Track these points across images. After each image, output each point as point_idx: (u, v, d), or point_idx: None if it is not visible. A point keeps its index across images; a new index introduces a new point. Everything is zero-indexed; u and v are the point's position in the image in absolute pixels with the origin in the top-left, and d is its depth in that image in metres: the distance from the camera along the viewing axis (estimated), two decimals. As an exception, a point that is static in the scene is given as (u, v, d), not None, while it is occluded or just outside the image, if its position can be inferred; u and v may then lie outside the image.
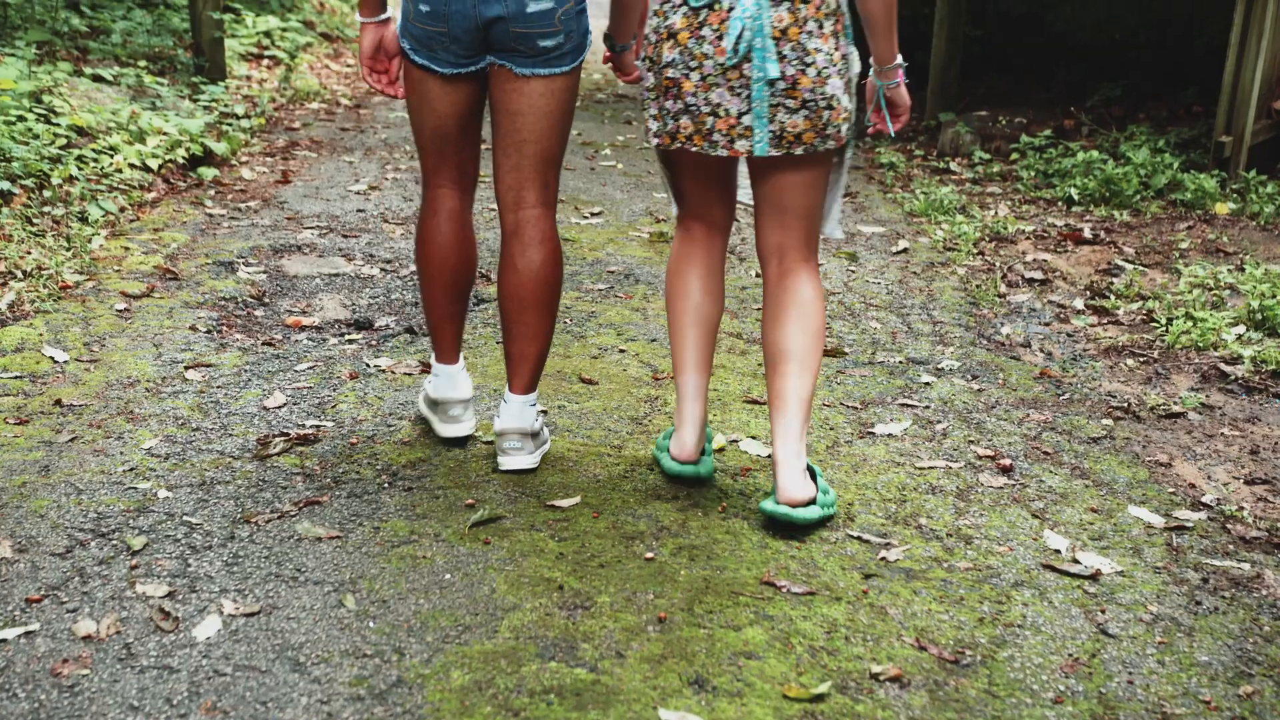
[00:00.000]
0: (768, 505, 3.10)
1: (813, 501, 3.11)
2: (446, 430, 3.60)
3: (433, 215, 3.48)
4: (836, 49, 3.00)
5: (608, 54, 3.52)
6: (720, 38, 2.96)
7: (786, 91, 2.96)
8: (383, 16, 3.33)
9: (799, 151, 3.03)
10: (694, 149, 3.09)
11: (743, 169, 3.31)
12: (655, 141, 3.19)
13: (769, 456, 3.56)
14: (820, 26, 2.96)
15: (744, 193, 3.36)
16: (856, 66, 3.11)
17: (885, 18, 3.07)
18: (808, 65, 2.95)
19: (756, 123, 3.00)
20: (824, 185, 3.19)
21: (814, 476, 3.24)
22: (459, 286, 3.54)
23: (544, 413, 3.79)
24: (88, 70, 7.48)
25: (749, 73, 2.96)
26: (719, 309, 3.37)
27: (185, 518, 3.08)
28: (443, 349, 3.59)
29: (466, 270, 3.54)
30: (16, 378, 3.93)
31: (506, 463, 3.43)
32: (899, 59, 3.16)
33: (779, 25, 2.93)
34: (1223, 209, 6.50)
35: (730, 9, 2.94)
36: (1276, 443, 3.83)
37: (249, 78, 9.71)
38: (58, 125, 6.16)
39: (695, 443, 3.32)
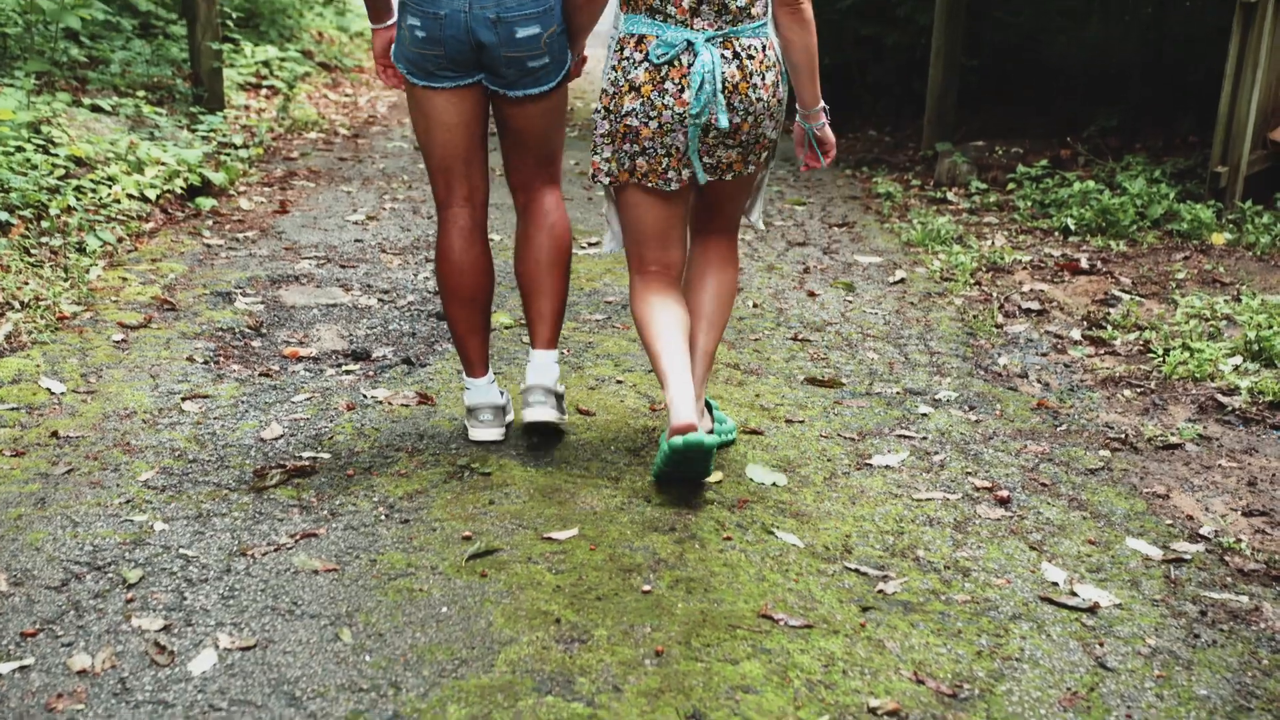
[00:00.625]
0: (678, 441, 3.33)
1: (711, 432, 3.67)
2: (476, 434, 3.85)
3: (446, 233, 3.75)
4: (774, 96, 3.47)
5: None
6: (681, 90, 3.37)
7: (726, 135, 3.44)
8: (390, 22, 3.72)
9: (729, 177, 3.57)
10: (650, 185, 3.50)
11: None
12: (607, 180, 3.58)
13: (772, 485, 3.58)
14: (763, 79, 3.42)
15: None
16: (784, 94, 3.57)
17: (808, 67, 3.52)
18: (749, 114, 3.43)
19: (694, 158, 3.46)
20: (747, 188, 3.70)
21: (710, 410, 3.86)
22: (479, 301, 3.79)
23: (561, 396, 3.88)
24: (86, 100, 7.50)
25: (696, 121, 3.39)
26: (684, 311, 3.66)
27: (181, 550, 3.07)
28: (470, 363, 3.84)
29: (485, 285, 3.79)
30: (13, 409, 3.93)
31: (531, 414, 3.70)
32: (821, 103, 3.65)
33: (730, 81, 3.38)
34: (1219, 239, 6.51)
35: (689, 65, 3.35)
36: (1274, 474, 3.82)
37: (247, 107, 9.74)
38: (56, 156, 6.17)
39: (694, 412, 3.40)
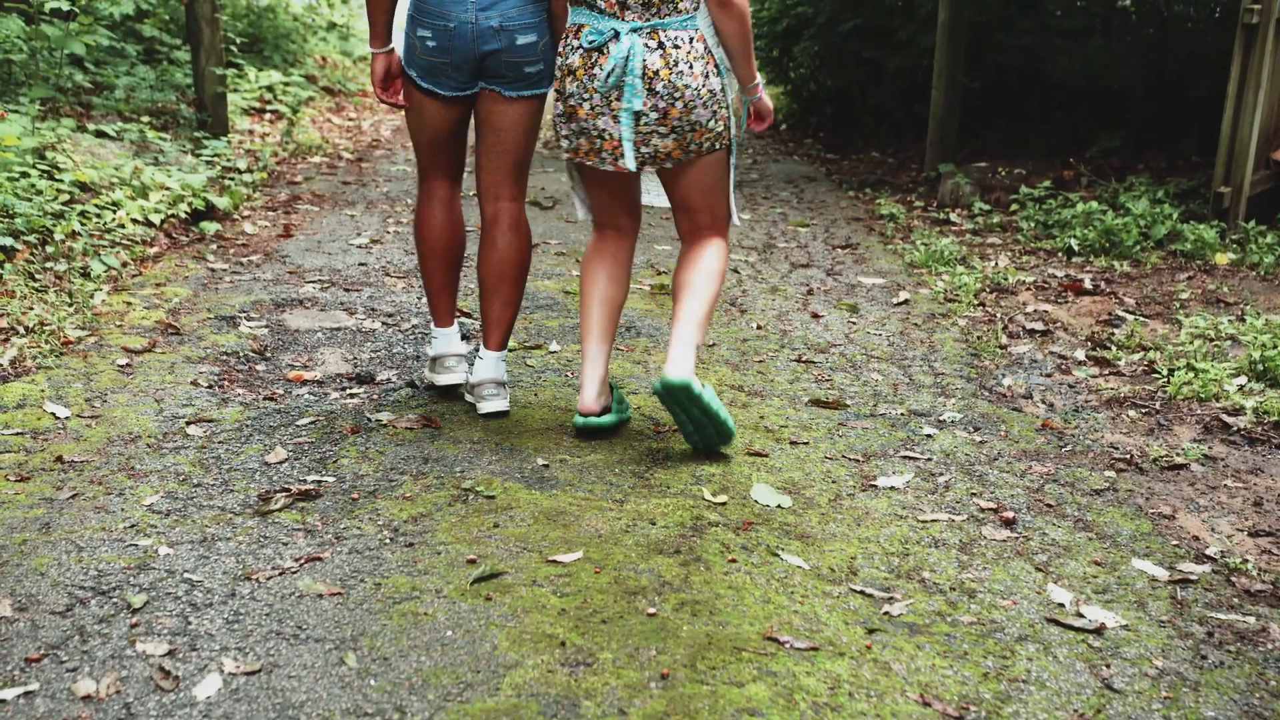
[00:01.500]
0: (673, 381, 3.79)
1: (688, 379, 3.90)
2: (441, 379, 4.39)
3: (428, 201, 4.31)
4: (705, 85, 3.78)
5: None
6: (603, 75, 3.75)
7: (659, 121, 3.77)
8: (389, 47, 4.13)
9: (669, 165, 3.91)
10: (589, 163, 3.94)
11: (655, 178, 4.21)
12: (566, 156, 4.02)
13: (777, 507, 3.57)
14: (690, 68, 3.75)
15: (657, 199, 4.27)
16: (731, 93, 3.93)
17: (741, 51, 3.87)
18: (676, 99, 3.75)
19: (626, 145, 3.80)
20: (714, 183, 4.00)
21: (613, 389, 4.24)
22: (450, 259, 4.36)
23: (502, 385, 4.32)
24: (91, 126, 7.52)
25: (620, 104, 3.76)
26: (623, 293, 4.19)
27: (186, 574, 3.07)
28: (439, 314, 4.42)
29: (457, 246, 4.36)
30: (18, 434, 3.93)
31: (485, 406, 4.25)
32: (757, 79, 4.00)
33: (652, 68, 3.72)
34: (1223, 259, 6.51)
35: (609, 53, 3.75)
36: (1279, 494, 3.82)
37: (251, 132, 9.77)
38: (61, 181, 6.18)
39: (595, 397, 4.08)
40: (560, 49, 3.89)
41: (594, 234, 4.21)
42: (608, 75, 3.71)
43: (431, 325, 4.46)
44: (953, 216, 7.89)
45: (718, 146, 3.92)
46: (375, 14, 4.07)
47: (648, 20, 3.71)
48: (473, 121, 4.20)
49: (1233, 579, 3.25)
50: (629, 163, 3.82)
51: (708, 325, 4.03)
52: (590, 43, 3.75)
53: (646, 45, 3.72)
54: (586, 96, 3.80)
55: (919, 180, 9.10)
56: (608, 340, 4.12)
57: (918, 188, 8.90)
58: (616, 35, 3.73)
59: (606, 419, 4.10)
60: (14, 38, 7.69)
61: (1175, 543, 3.47)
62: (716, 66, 3.82)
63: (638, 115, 3.76)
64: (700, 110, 3.79)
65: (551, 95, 4.00)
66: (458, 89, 4.03)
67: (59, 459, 3.74)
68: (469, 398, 4.35)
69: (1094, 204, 7.22)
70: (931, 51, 9.14)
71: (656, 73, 3.72)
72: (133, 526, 3.32)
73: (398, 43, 4.13)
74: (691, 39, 3.75)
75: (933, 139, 8.98)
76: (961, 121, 9.20)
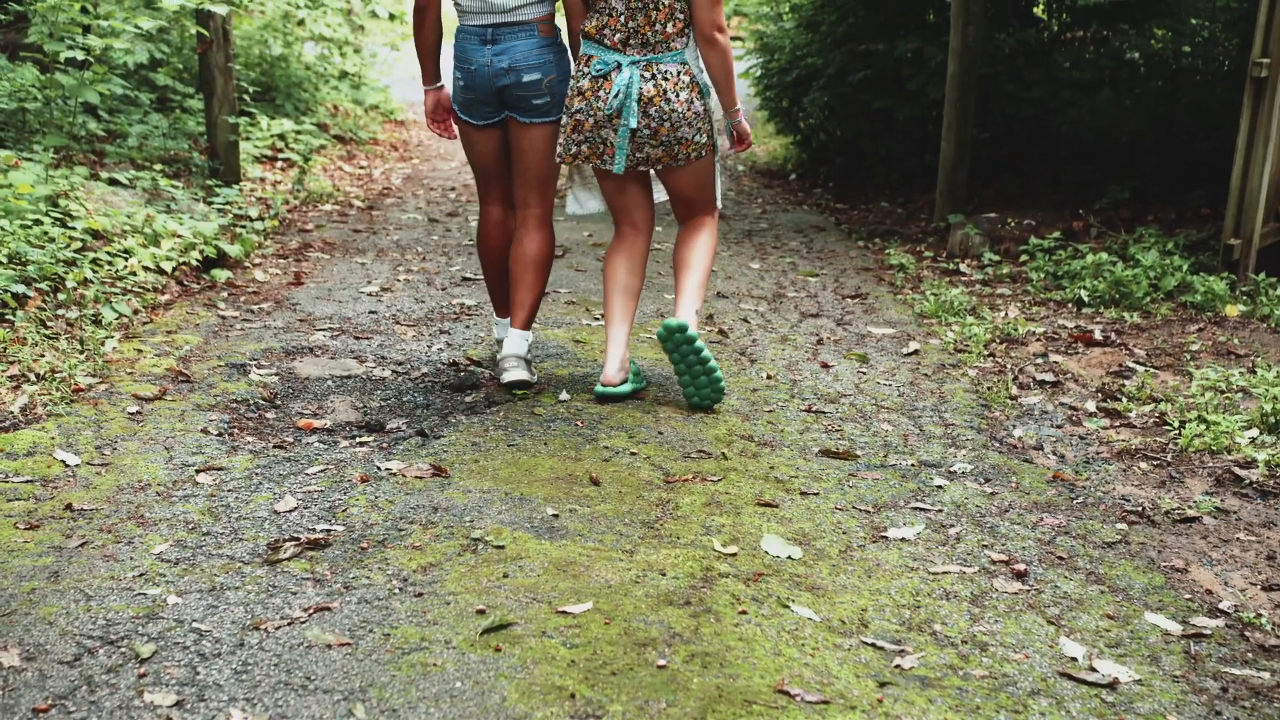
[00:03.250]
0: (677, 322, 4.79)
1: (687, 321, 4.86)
2: (502, 378, 5.09)
3: (486, 222, 5.35)
4: (689, 109, 4.74)
5: None
6: (606, 98, 4.72)
7: (651, 136, 4.75)
8: (439, 84, 5.18)
9: (657, 168, 4.92)
10: (591, 165, 4.95)
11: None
12: (558, 157, 4.97)
13: (787, 558, 3.56)
14: (678, 95, 4.72)
15: (659, 195, 5.22)
16: (717, 113, 4.89)
17: (723, 82, 4.81)
18: (665, 120, 4.72)
19: (619, 153, 4.79)
20: (703, 180, 4.98)
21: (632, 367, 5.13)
22: (504, 266, 5.33)
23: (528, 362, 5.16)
24: (104, 174, 7.56)
25: (619, 121, 4.72)
26: (639, 282, 5.10)
27: (194, 624, 3.06)
28: (498, 305, 5.51)
29: (506, 255, 5.28)
30: (28, 482, 3.93)
31: (507, 377, 5.06)
32: (738, 106, 4.91)
33: (646, 94, 4.70)
34: (1233, 311, 6.50)
35: (612, 81, 4.71)
36: (1293, 548, 3.80)
37: (263, 179, 9.81)
38: (73, 229, 6.21)
39: (616, 371, 4.96)
40: (574, 73, 4.86)
41: (615, 233, 5.16)
42: (613, 98, 4.68)
43: (493, 315, 5.69)
44: (962, 267, 7.89)
45: (702, 154, 4.86)
46: (423, 60, 5.11)
47: (644, 55, 4.71)
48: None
49: (1246, 633, 3.23)
50: (618, 167, 4.81)
51: (704, 291, 5.02)
52: (598, 71, 4.73)
53: (643, 76, 4.70)
54: (591, 113, 4.77)
55: (929, 230, 9.11)
56: (627, 323, 5.02)
57: (927, 238, 8.91)
58: (619, 66, 4.70)
59: (624, 388, 4.99)
60: (29, 86, 7.74)
61: (1188, 596, 3.45)
62: (700, 92, 4.78)
63: (633, 130, 4.73)
64: (685, 129, 4.76)
65: (563, 117, 4.88)
66: (487, 118, 5.02)
67: (68, 507, 3.74)
68: (496, 371, 5.19)
69: (1104, 255, 7.22)
70: (941, 103, 9.17)
71: (650, 99, 4.70)
72: (141, 575, 3.32)
73: (446, 81, 5.16)
74: (679, 71, 4.72)
75: (942, 189, 9.00)
76: (971, 172, 9.21)
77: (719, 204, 5.12)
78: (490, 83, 4.87)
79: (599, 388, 4.97)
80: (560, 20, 5.01)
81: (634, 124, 4.69)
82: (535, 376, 5.18)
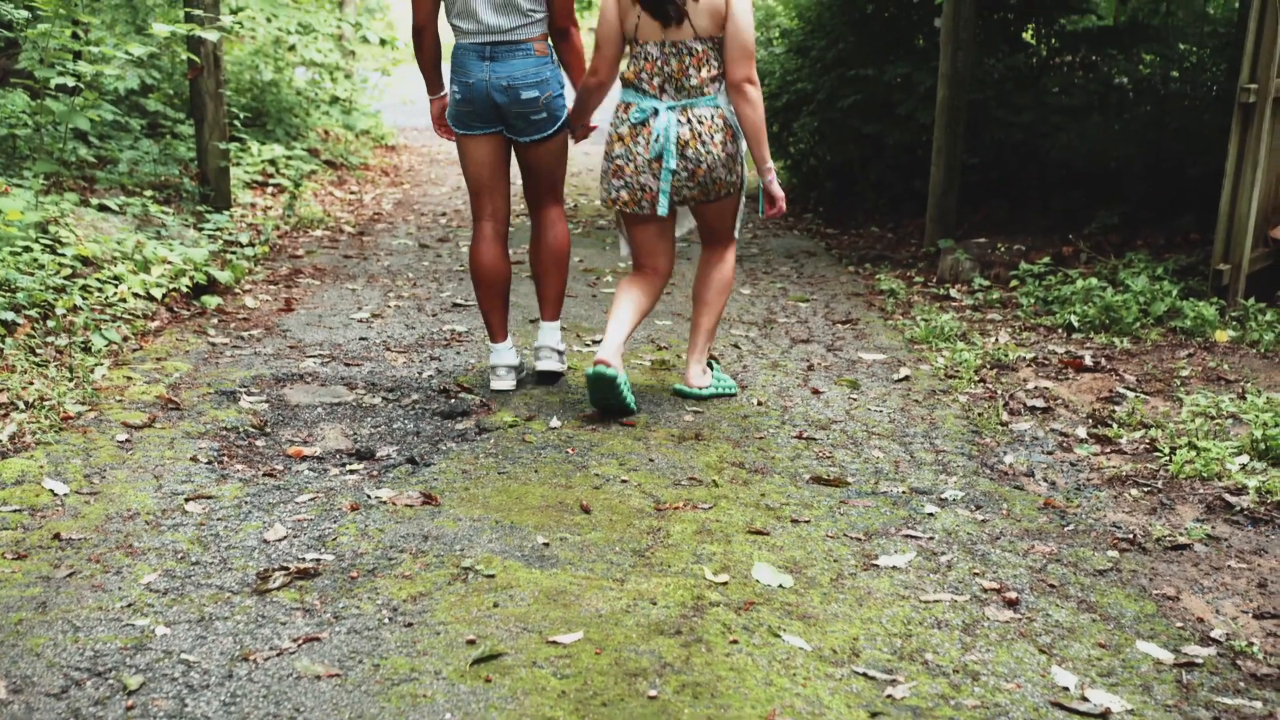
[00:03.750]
0: (679, 386, 5.50)
1: (707, 386, 5.47)
2: (494, 385, 5.46)
3: (480, 240, 5.44)
4: (723, 151, 5.04)
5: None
6: (647, 143, 5.02)
7: (688, 178, 5.06)
8: (443, 93, 5.48)
9: (693, 204, 5.22)
10: (629, 210, 5.18)
11: (687, 214, 5.48)
12: (607, 204, 5.25)
13: (778, 587, 3.55)
14: (712, 138, 5.01)
15: (687, 223, 5.53)
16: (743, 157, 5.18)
17: (754, 136, 5.05)
18: (701, 163, 5.03)
19: (661, 195, 5.06)
20: (730, 214, 5.36)
21: (712, 367, 5.60)
22: (497, 287, 5.46)
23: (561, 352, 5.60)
24: (94, 200, 7.55)
25: (660, 166, 5.01)
26: (650, 304, 5.35)
27: (183, 655, 3.04)
28: (492, 331, 5.50)
29: (502, 277, 5.47)
30: (16, 511, 3.91)
31: (541, 365, 5.52)
32: (770, 164, 5.14)
33: (683, 138, 4.99)
34: (1223, 336, 6.51)
35: (651, 126, 5.01)
36: (1284, 575, 3.80)
37: (254, 205, 9.81)
38: (63, 255, 6.20)
39: (610, 354, 5.01)
40: (612, 120, 5.17)
41: (634, 270, 5.39)
42: (654, 143, 4.97)
43: (488, 341, 5.73)
44: (953, 292, 7.90)
45: (732, 192, 5.22)
46: (425, 73, 5.44)
47: (679, 100, 4.98)
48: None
49: (1238, 662, 3.23)
50: (663, 209, 5.07)
51: (713, 335, 5.54)
52: (636, 119, 5.02)
53: (679, 121, 4.98)
54: (631, 159, 5.06)
55: (919, 256, 9.12)
56: (629, 325, 5.18)
57: (917, 263, 8.92)
58: (656, 112, 4.98)
59: (615, 374, 4.97)
60: (19, 113, 7.73)
61: (1180, 625, 3.44)
62: (733, 134, 5.07)
63: (673, 173, 5.01)
64: (719, 170, 5.07)
65: (605, 163, 5.18)
66: (483, 128, 5.23)
67: (56, 536, 3.72)
68: (532, 359, 5.73)
69: (1093, 280, 7.23)
70: (931, 128, 9.19)
71: (687, 142, 4.99)
72: (130, 606, 3.30)
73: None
74: (713, 115, 5.00)
75: (932, 214, 9.02)
76: (961, 197, 9.24)
77: (736, 234, 5.47)
78: (489, 97, 5.11)
79: (590, 369, 5.03)
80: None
81: (674, 165, 4.98)
82: (565, 365, 5.63)
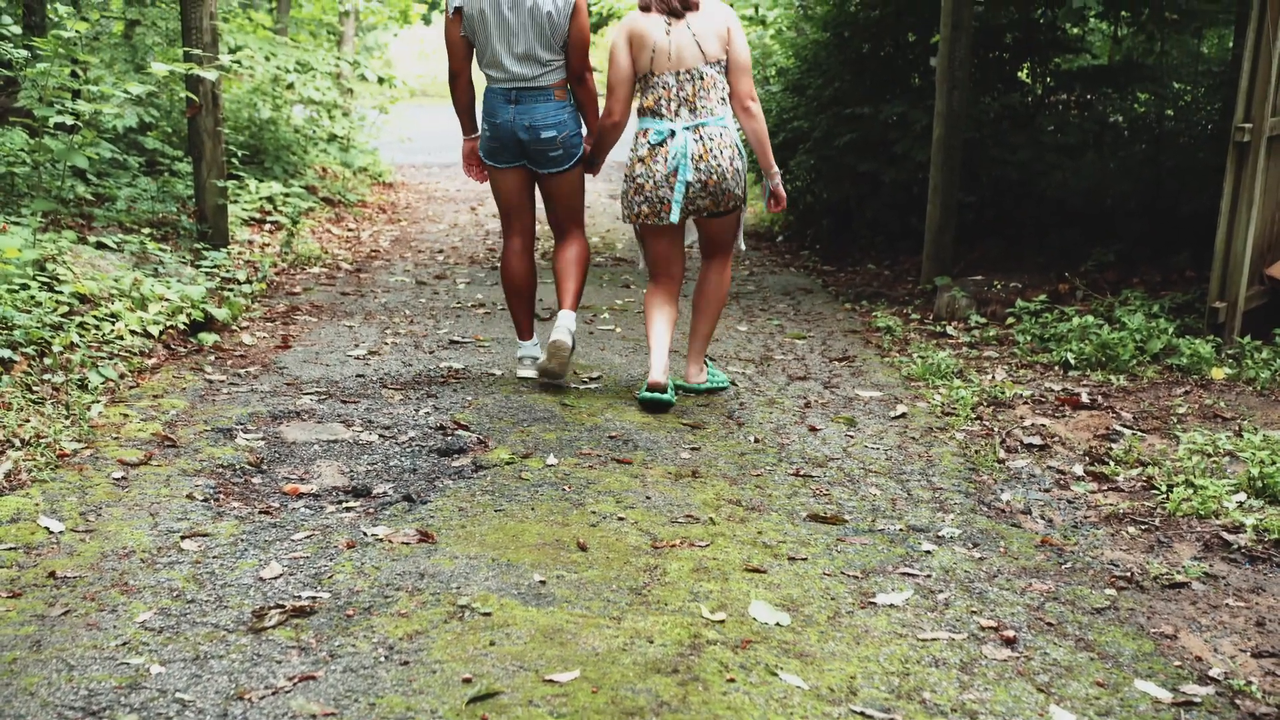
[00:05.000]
0: (679, 382, 6.22)
1: (703, 382, 6.26)
2: (520, 373, 6.43)
3: (509, 254, 6.31)
4: (731, 165, 5.74)
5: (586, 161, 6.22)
6: (665, 161, 5.71)
7: (701, 189, 5.73)
8: (475, 134, 6.22)
9: (705, 215, 5.90)
10: (649, 222, 5.84)
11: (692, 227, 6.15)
12: (625, 220, 5.96)
13: (776, 625, 3.54)
14: (722, 153, 5.70)
15: (690, 235, 6.21)
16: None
17: (759, 146, 5.85)
18: (712, 174, 5.70)
19: (675, 205, 5.73)
20: (733, 228, 6.08)
21: (707, 365, 6.37)
22: (524, 294, 6.35)
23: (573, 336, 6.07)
24: (92, 238, 7.56)
25: (676, 179, 5.68)
26: (674, 312, 6.08)
27: (178, 694, 3.03)
28: (520, 330, 6.46)
29: (529, 284, 6.34)
30: (11, 549, 3.91)
31: (555, 335, 5.97)
32: (775, 168, 5.96)
33: (696, 153, 5.67)
34: (1219, 374, 6.52)
35: (668, 146, 5.70)
36: (1282, 613, 3.79)
37: (251, 242, 9.83)
38: (60, 293, 6.21)
39: (660, 374, 5.83)
40: (633, 146, 5.85)
41: (651, 284, 6.12)
42: (672, 158, 5.65)
43: (516, 338, 6.61)
44: (949, 329, 7.91)
45: (737, 206, 5.89)
46: (460, 116, 6.22)
47: (694, 120, 5.67)
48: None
49: (1237, 701, 3.22)
50: (674, 217, 5.74)
51: (711, 335, 6.28)
52: (654, 141, 5.71)
53: (693, 138, 5.66)
54: (650, 176, 5.73)
55: (915, 293, 9.13)
56: (668, 341, 5.93)
57: (914, 300, 8.93)
58: (672, 133, 5.66)
59: (669, 399, 5.86)
60: (18, 150, 7.75)
61: (1178, 663, 3.44)
62: (739, 151, 5.76)
63: (688, 185, 5.68)
64: (729, 181, 5.75)
65: (626, 182, 5.86)
66: (509, 162, 6.03)
67: (52, 574, 3.71)
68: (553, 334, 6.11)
69: (1090, 318, 7.24)
70: (927, 166, 9.22)
71: (700, 156, 5.66)
72: (125, 644, 3.29)
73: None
74: (722, 133, 5.70)
75: (929, 252, 9.03)
76: (957, 235, 9.25)
77: (741, 245, 6.20)
78: (513, 134, 5.89)
79: (644, 393, 5.85)
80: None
81: (689, 178, 5.65)
82: (574, 341, 6.11)
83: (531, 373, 6.33)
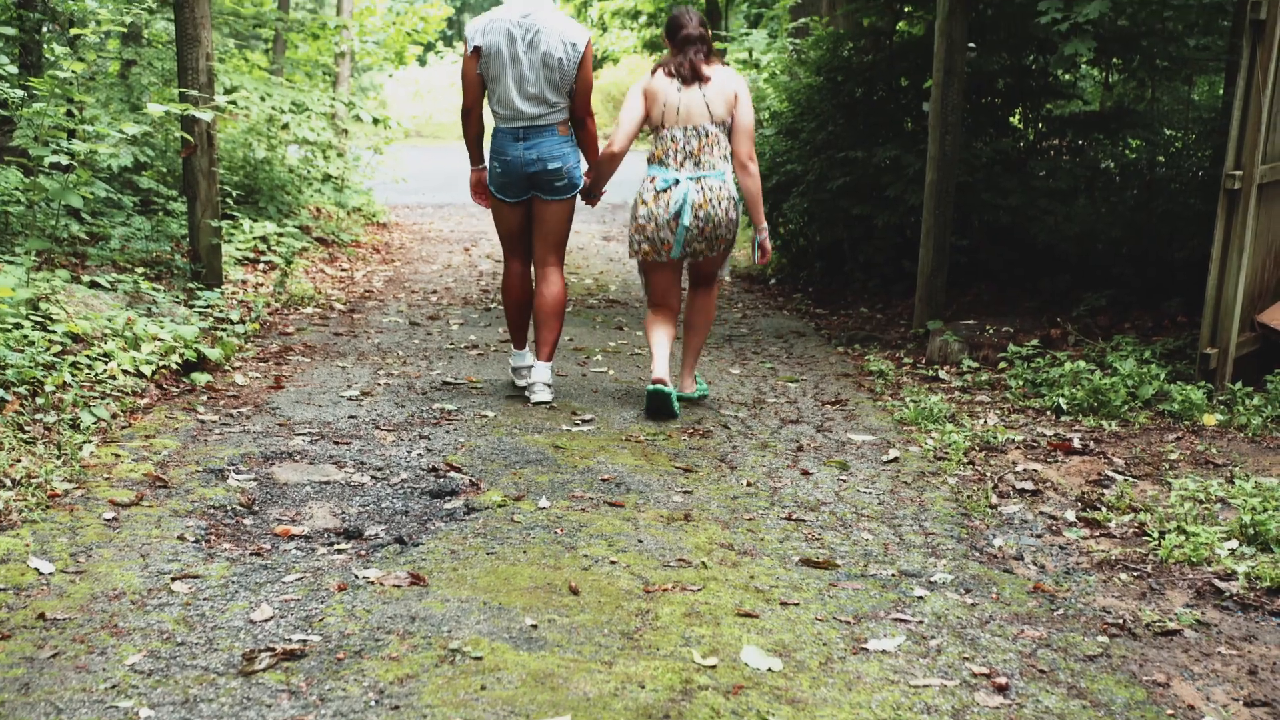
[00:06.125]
0: (676, 393, 6.69)
1: (694, 391, 6.98)
2: (518, 382, 7.06)
3: (510, 275, 6.94)
4: (727, 215, 6.46)
5: (584, 194, 6.92)
6: (667, 206, 6.41)
7: (698, 234, 6.45)
8: (482, 165, 6.76)
9: (700, 257, 6.59)
10: (650, 259, 6.59)
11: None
12: (634, 257, 6.67)
13: (767, 670, 3.53)
14: (720, 204, 6.41)
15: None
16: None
17: (754, 204, 6.53)
18: (709, 222, 6.42)
19: (676, 244, 6.46)
20: (720, 264, 6.77)
21: (696, 380, 7.06)
22: (523, 309, 6.99)
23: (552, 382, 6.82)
24: (85, 277, 7.57)
25: (677, 223, 6.39)
26: (675, 332, 6.86)
27: (167, 738, 3.02)
28: (515, 340, 7.08)
29: (527, 301, 6.95)
30: (0, 590, 3.89)
31: (535, 397, 6.75)
32: (764, 224, 6.70)
33: (697, 202, 6.37)
34: (1210, 420, 6.53)
35: (672, 193, 6.39)
36: (1274, 662, 3.78)
37: (244, 282, 9.83)
38: (53, 332, 6.20)
39: (662, 372, 6.52)
40: (639, 189, 6.52)
41: (650, 311, 6.86)
42: (674, 204, 6.34)
43: (512, 348, 7.16)
44: (941, 374, 7.92)
45: (728, 247, 6.62)
46: (470, 148, 6.78)
47: (696, 172, 6.38)
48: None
49: (1229, 750, 3.21)
50: (675, 253, 6.48)
51: (701, 346, 7.02)
52: (660, 188, 6.40)
53: (695, 189, 6.36)
54: (652, 218, 6.44)
55: (908, 337, 9.15)
56: (668, 348, 6.67)
57: (906, 344, 8.95)
58: (677, 182, 6.37)
59: (670, 391, 6.50)
60: (12, 189, 7.77)
61: (1170, 712, 3.43)
62: (735, 203, 6.47)
63: (686, 229, 6.37)
64: (723, 229, 6.48)
65: (630, 223, 6.64)
66: (516, 196, 6.65)
67: (41, 616, 3.70)
68: (526, 392, 6.88)
69: (1081, 363, 7.25)
70: (919, 210, 9.26)
71: (700, 205, 6.37)
72: (114, 687, 3.28)
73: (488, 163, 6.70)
74: (721, 185, 6.40)
75: (921, 296, 9.06)
76: (949, 279, 9.28)
77: (725, 275, 7.01)
78: (522, 170, 6.51)
79: (649, 387, 6.54)
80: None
81: (687, 223, 6.36)
82: (553, 396, 6.81)
83: (547, 396, 6.78)
